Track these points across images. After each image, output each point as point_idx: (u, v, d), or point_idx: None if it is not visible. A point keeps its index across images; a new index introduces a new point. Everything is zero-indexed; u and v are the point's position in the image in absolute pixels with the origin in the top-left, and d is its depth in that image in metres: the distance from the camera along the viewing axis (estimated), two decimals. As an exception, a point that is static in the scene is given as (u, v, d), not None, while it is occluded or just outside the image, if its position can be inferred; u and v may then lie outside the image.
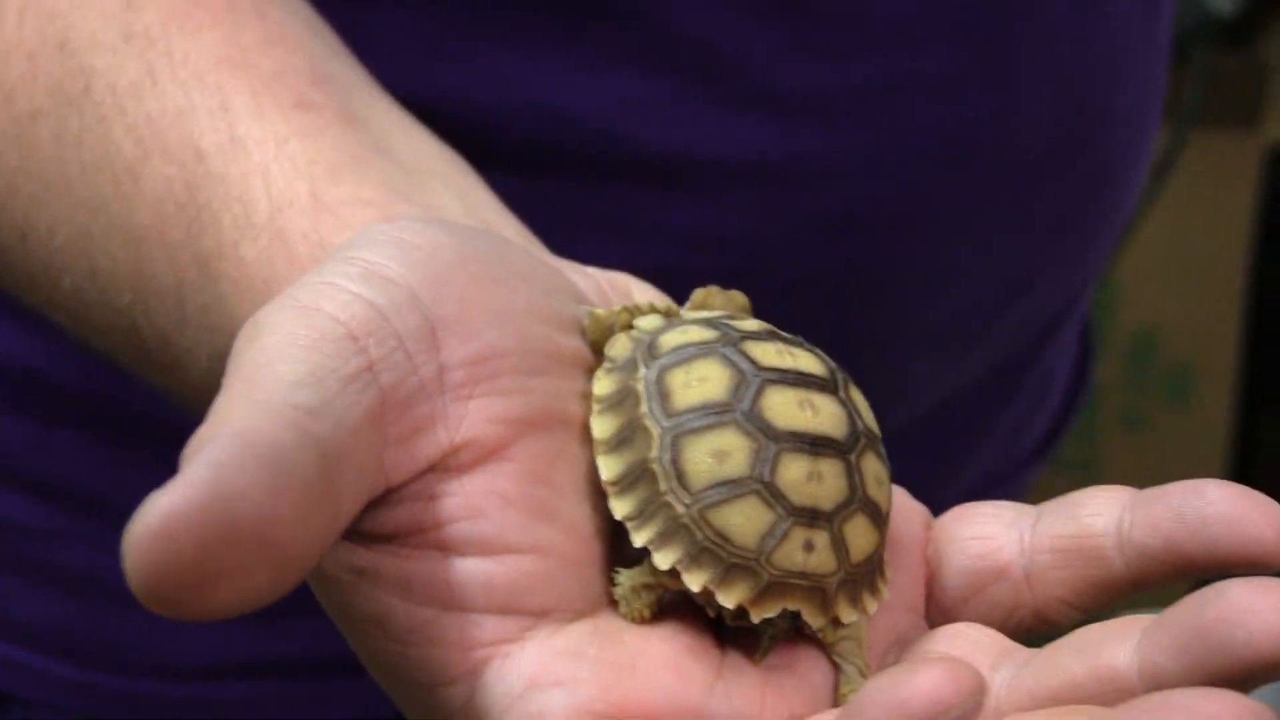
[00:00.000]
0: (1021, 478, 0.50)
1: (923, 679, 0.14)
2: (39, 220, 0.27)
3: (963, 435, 0.46)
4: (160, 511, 0.14)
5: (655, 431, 0.19)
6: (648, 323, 0.21)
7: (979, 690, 0.14)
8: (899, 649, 0.20)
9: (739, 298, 0.23)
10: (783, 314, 0.23)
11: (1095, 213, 0.43)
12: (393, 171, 0.24)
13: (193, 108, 0.25)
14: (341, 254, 0.19)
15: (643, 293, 0.23)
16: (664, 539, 0.18)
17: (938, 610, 0.21)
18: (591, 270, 0.23)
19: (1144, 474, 0.27)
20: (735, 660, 0.19)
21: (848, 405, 0.20)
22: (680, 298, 0.23)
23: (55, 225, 0.27)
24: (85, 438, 0.38)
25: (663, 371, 0.19)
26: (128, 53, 0.26)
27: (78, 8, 0.27)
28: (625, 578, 0.19)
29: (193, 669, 0.39)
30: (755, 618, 0.18)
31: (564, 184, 0.35)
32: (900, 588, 0.20)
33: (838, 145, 0.36)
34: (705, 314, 0.21)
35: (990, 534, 0.21)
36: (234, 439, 0.15)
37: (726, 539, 0.18)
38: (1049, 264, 0.43)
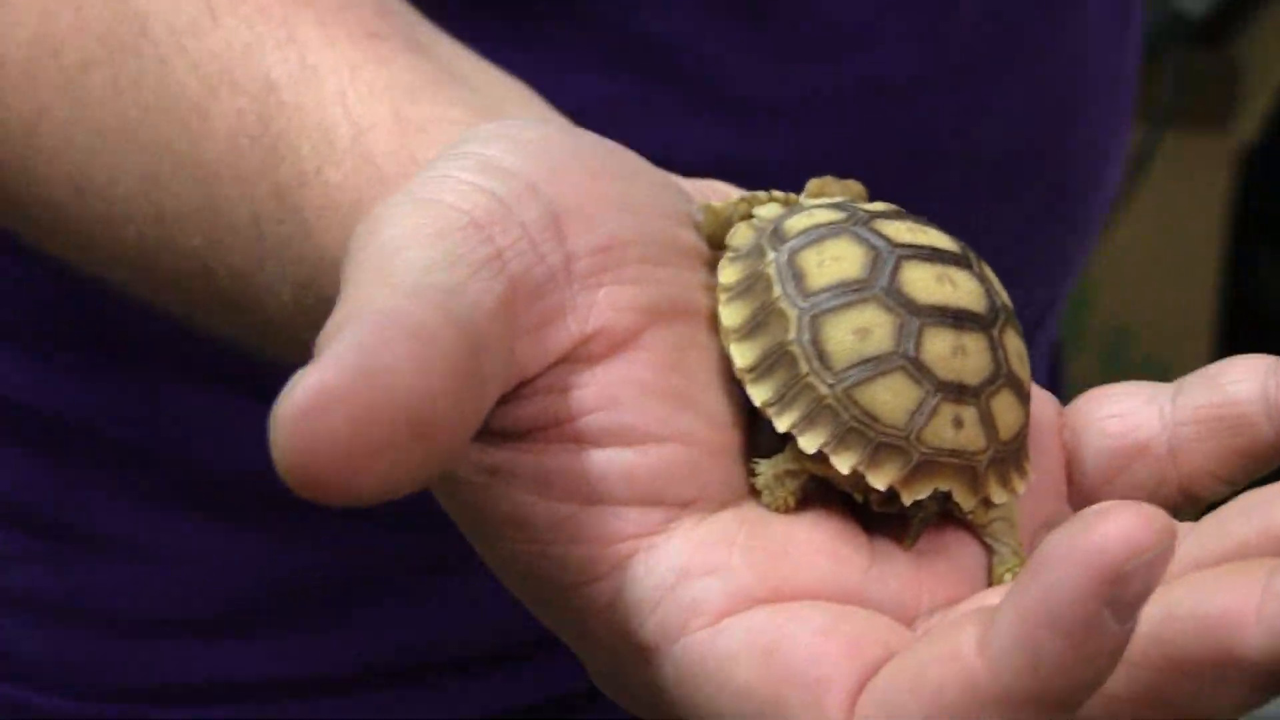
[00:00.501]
0: None
1: (1113, 523, 0.13)
2: (96, 170, 0.26)
3: None
4: (309, 388, 0.14)
5: (792, 313, 0.18)
6: (768, 210, 0.20)
7: (1171, 531, 0.13)
8: (1048, 533, 0.18)
9: (855, 186, 0.22)
10: None
11: (1066, 216, 0.43)
12: (470, 94, 0.24)
13: (259, 40, 0.24)
14: (452, 149, 0.19)
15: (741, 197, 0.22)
16: (808, 421, 0.18)
17: (1079, 494, 0.20)
18: (686, 180, 0.22)
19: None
20: (884, 546, 0.19)
21: (984, 280, 0.19)
22: None
23: (116, 173, 0.26)
24: (41, 458, 0.37)
25: (794, 253, 0.19)
26: None
27: None
28: (766, 466, 0.18)
29: (141, 689, 0.37)
30: (906, 499, 0.18)
31: None
32: (1041, 471, 0.20)
33: (803, 148, 0.35)
34: (827, 200, 0.21)
35: (1129, 411, 0.20)
36: (379, 316, 0.15)
37: (874, 417, 0.18)
38: (1019, 269, 0.43)
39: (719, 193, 0.22)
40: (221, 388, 0.36)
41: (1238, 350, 0.22)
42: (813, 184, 0.22)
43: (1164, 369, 1.14)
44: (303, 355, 0.16)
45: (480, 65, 0.26)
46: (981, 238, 0.39)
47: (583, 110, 0.32)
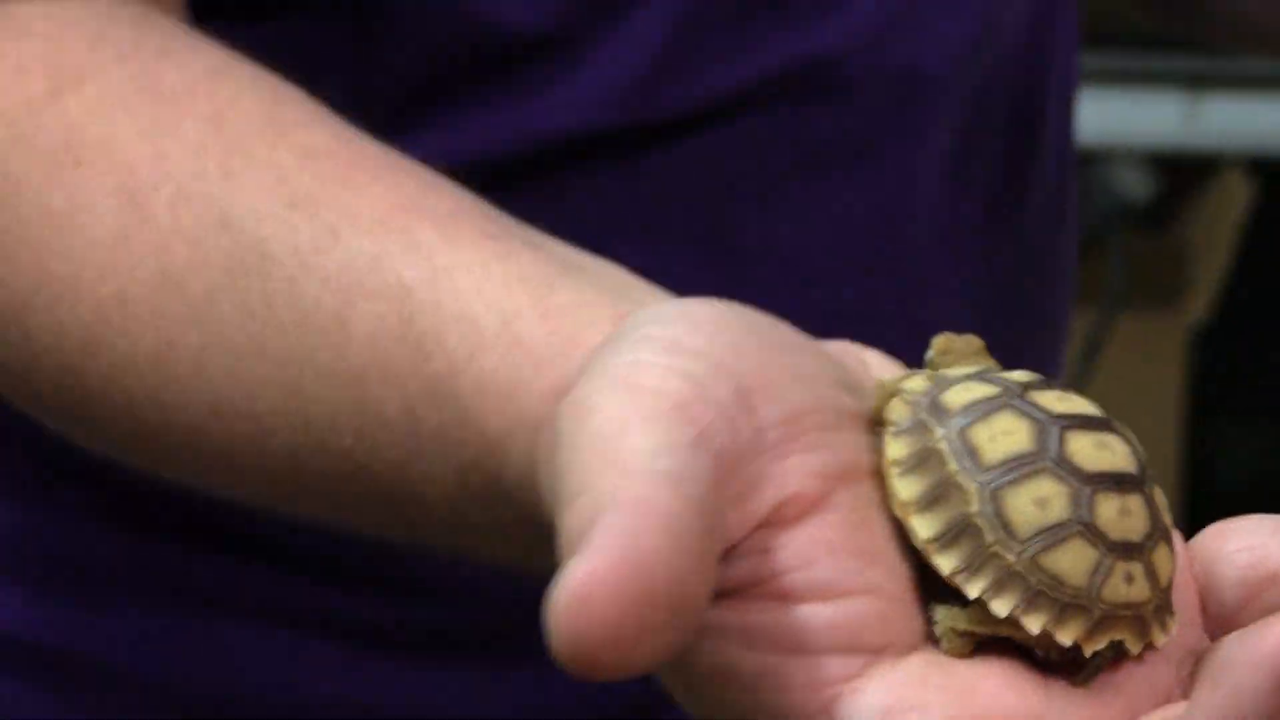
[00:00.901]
0: None
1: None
2: (234, 391, 0.28)
3: None
4: (581, 577, 0.16)
5: (971, 487, 0.20)
6: (915, 384, 0.23)
7: None
8: (1193, 661, 0.21)
9: (975, 341, 0.24)
10: None
11: None
12: (596, 279, 0.26)
13: (385, 250, 0.26)
14: (633, 332, 0.21)
15: (875, 358, 0.25)
16: (998, 587, 0.20)
17: (1214, 624, 0.22)
18: (826, 342, 0.25)
19: None
20: (1058, 684, 0.21)
21: (1128, 441, 0.21)
22: None
23: (255, 390, 0.27)
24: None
25: (964, 430, 0.21)
26: (297, 217, 0.27)
27: (231, 190, 0.28)
28: (944, 617, 0.20)
29: None
30: (1087, 651, 0.20)
31: None
32: (1179, 605, 0.22)
33: None
34: (966, 369, 0.23)
35: (1258, 544, 0.22)
36: (633, 505, 0.17)
37: (1059, 580, 0.20)
38: None
39: (853, 354, 0.25)
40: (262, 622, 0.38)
41: (1202, 528, 0.22)
42: (938, 342, 0.24)
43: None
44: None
45: (589, 256, 0.28)
46: None
47: None
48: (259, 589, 0.40)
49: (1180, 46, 1.02)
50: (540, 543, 0.22)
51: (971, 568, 0.20)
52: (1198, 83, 1.12)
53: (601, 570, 0.15)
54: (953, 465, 0.20)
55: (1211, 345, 1.17)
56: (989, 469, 0.20)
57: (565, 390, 0.21)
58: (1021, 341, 0.42)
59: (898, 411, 0.22)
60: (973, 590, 0.20)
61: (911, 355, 0.36)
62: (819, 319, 0.34)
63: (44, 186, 0.29)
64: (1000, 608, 0.20)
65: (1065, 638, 0.20)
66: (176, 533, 0.39)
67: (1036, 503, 0.20)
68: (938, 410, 0.21)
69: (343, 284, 0.26)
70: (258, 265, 0.27)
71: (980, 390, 0.22)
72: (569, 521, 0.17)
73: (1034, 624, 0.19)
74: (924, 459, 0.21)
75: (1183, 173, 1.15)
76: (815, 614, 0.19)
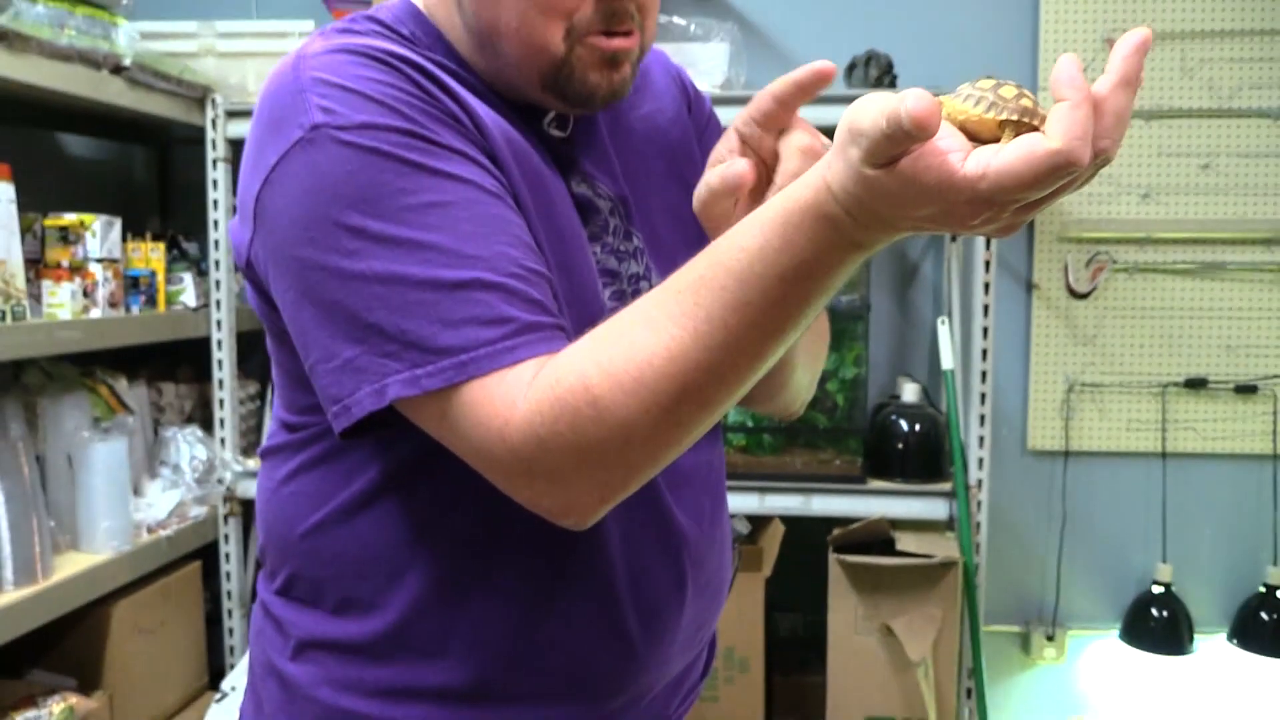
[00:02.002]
0: None
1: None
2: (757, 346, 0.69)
3: None
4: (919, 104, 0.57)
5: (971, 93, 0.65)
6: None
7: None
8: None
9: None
10: None
11: None
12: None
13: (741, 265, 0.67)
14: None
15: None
16: (985, 105, 0.61)
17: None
18: None
19: None
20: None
21: (1023, 92, 0.63)
22: None
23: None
24: None
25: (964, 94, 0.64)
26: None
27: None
28: (952, 107, 0.64)
29: None
30: (1006, 132, 0.62)
31: None
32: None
33: None
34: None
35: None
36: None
37: (1004, 100, 0.61)
38: None
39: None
40: None
41: None
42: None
43: None
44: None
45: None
46: None
47: None
48: None
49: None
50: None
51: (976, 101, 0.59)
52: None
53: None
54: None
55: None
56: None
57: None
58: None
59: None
60: (980, 108, 0.59)
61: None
62: None
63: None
64: (986, 111, 0.58)
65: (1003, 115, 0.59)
66: None
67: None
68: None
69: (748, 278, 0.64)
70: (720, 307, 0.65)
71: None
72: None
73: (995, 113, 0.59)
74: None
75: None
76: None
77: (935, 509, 2.19)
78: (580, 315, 0.79)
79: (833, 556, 2.05)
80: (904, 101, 0.54)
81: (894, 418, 2.27)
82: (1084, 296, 2.54)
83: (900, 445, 2.25)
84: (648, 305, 0.67)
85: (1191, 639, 2.52)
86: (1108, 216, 2.53)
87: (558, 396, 0.67)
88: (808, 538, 2.28)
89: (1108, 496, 2.57)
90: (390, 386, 0.70)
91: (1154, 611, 2.52)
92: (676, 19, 2.29)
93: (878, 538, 2.08)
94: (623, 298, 0.87)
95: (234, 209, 2.29)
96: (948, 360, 2.25)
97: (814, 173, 0.62)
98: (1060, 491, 2.58)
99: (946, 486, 2.19)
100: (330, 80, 0.73)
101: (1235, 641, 2.52)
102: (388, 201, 0.70)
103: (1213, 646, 2.54)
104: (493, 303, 0.69)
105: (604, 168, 0.90)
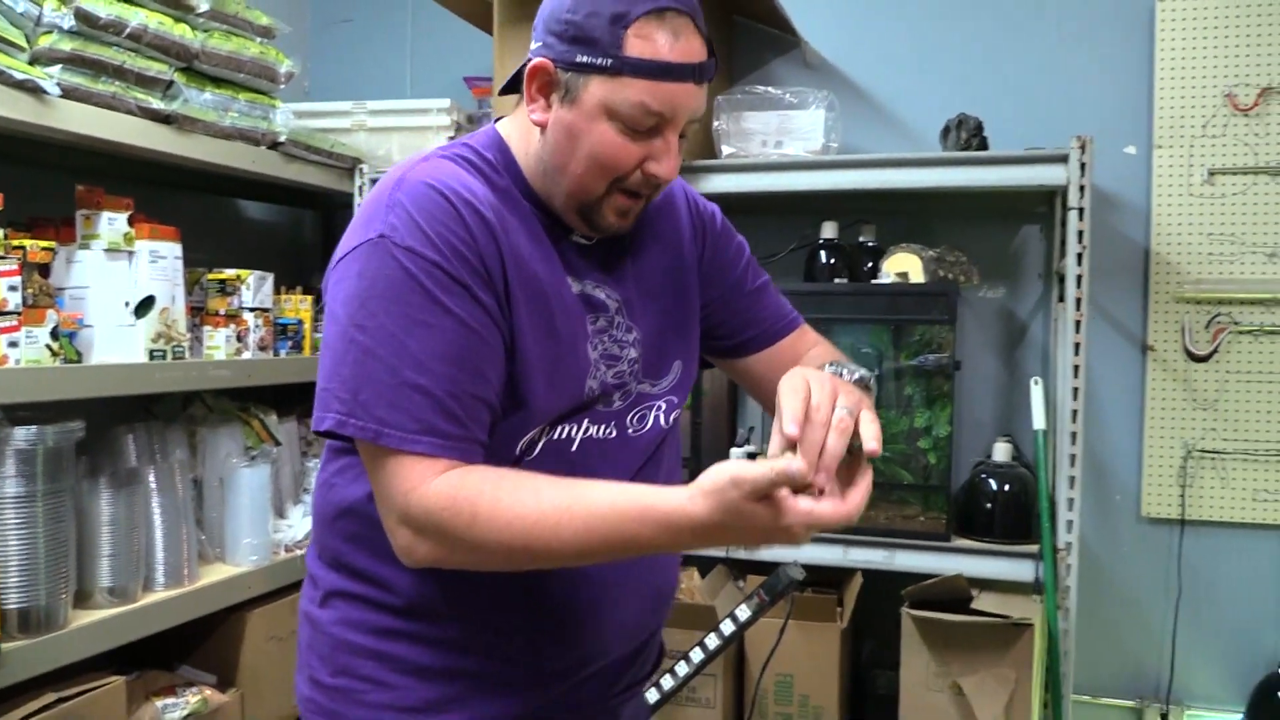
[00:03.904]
0: None
1: None
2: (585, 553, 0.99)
3: None
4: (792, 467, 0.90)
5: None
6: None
7: None
8: None
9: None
10: None
11: None
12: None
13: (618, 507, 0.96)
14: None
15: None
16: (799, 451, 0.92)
17: None
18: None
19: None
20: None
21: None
22: None
23: (596, 552, 0.99)
24: None
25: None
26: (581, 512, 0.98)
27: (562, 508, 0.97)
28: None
29: None
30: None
31: None
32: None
33: None
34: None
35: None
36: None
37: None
38: None
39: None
40: None
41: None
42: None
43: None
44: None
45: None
46: None
47: None
48: None
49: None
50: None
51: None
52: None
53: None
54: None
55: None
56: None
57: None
58: None
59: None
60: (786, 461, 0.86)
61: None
62: None
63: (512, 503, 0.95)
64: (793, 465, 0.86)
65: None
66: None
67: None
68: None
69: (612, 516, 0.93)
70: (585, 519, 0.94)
71: None
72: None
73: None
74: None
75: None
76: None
77: (1021, 570, 2.17)
78: (562, 396, 1.08)
79: (905, 611, 2.07)
80: (791, 464, 0.86)
81: (983, 476, 2.27)
82: (1204, 359, 2.46)
83: (988, 504, 2.24)
84: (551, 485, 0.96)
85: (1325, 728, 2.35)
86: (1229, 276, 2.44)
87: (454, 498, 0.95)
88: (894, 594, 2.30)
89: (1230, 569, 2.46)
90: (328, 419, 0.99)
91: (1281, 695, 2.37)
92: (773, 89, 2.42)
93: (958, 596, 2.09)
94: (622, 376, 1.14)
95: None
96: (1039, 420, 2.24)
97: (679, 500, 0.90)
98: (1176, 561, 2.48)
99: (1034, 548, 2.17)
100: (405, 205, 1.00)
101: (1377, 735, 2.33)
102: (398, 308, 0.98)
103: (1350, 739, 2.36)
104: (424, 407, 0.97)
105: (615, 273, 1.15)
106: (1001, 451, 2.31)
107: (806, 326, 1.33)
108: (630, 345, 1.14)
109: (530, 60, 1.05)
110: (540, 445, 1.07)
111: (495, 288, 1.01)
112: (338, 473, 1.14)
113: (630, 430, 1.15)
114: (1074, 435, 2.15)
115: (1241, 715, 2.42)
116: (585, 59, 1.01)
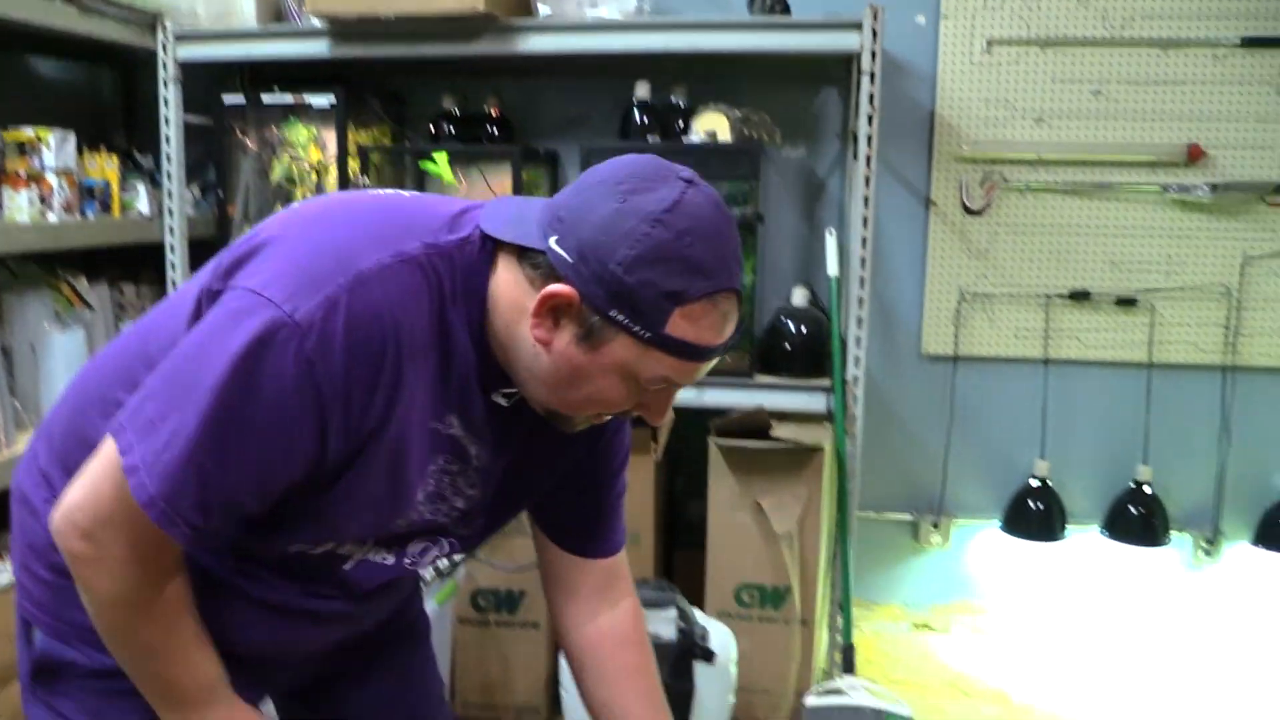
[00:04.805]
0: None
1: None
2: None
3: None
4: None
5: None
6: None
7: None
8: None
9: None
10: None
11: None
12: None
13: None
14: None
15: None
16: None
17: None
18: None
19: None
20: None
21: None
22: None
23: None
24: None
25: None
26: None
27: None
28: None
29: None
30: None
31: None
32: None
33: None
34: None
35: None
36: None
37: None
38: None
39: None
40: None
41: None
42: None
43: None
44: None
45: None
46: None
47: None
48: None
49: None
50: None
51: None
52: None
53: None
54: None
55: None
56: None
57: None
58: None
59: None
60: None
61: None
62: None
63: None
64: None
65: None
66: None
67: None
68: None
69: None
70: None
71: None
72: None
73: None
74: None
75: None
76: None
77: (815, 402, 2.42)
78: (366, 529, 1.02)
79: (712, 440, 2.29)
80: None
81: (783, 319, 2.49)
82: (978, 213, 2.73)
83: (787, 344, 2.47)
84: (210, 664, 1.01)
85: (1064, 528, 2.75)
86: (1002, 139, 2.70)
87: (144, 561, 0.94)
88: (705, 428, 2.52)
89: (994, 398, 2.79)
90: (128, 435, 0.91)
91: (1031, 504, 2.75)
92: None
93: (760, 427, 2.31)
94: (438, 516, 1.05)
95: (184, 125, 2.50)
96: (833, 268, 2.46)
97: None
98: (950, 393, 2.80)
99: (826, 383, 2.41)
100: (341, 320, 0.87)
101: (1106, 532, 2.75)
102: (251, 406, 0.87)
103: (1085, 536, 2.78)
104: (198, 502, 0.89)
105: (505, 441, 1.05)
106: (799, 297, 2.53)
107: (623, 562, 1.27)
108: (465, 499, 1.07)
109: (549, 261, 0.91)
110: (320, 550, 1.02)
111: (352, 442, 0.92)
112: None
113: (408, 561, 1.10)
114: (862, 280, 2.38)
115: (999, 521, 2.80)
116: (623, 320, 0.90)
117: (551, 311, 0.92)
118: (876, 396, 2.77)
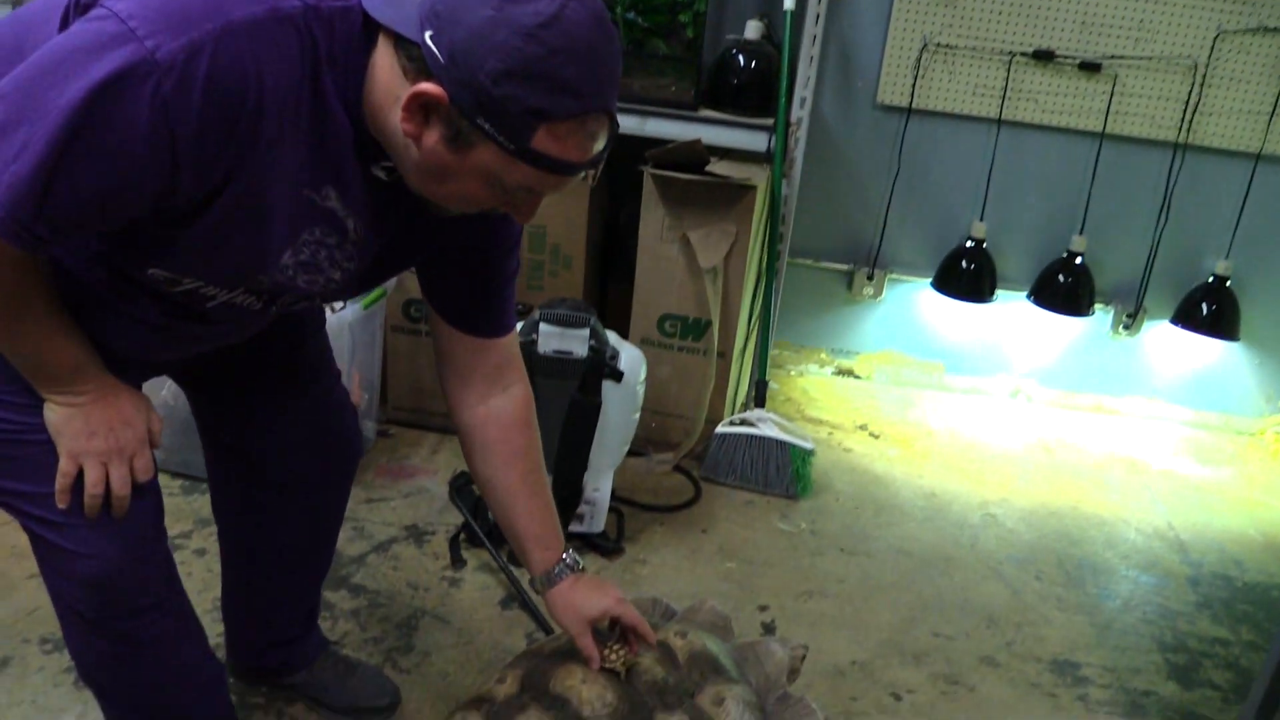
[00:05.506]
0: None
1: None
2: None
3: None
4: None
5: None
6: None
7: None
8: None
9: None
10: None
11: None
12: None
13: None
14: None
15: None
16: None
17: None
18: None
19: None
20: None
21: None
22: None
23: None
24: None
25: None
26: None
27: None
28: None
29: None
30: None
31: None
32: None
33: None
34: None
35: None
36: None
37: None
38: None
39: None
40: None
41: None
42: None
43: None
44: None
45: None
46: None
47: None
48: None
49: None
50: None
51: None
52: None
53: None
54: None
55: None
56: None
57: None
58: None
59: None
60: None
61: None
62: None
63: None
64: None
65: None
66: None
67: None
68: None
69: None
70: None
71: None
72: None
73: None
74: None
75: None
76: None
77: (757, 141, 2.39)
78: (217, 277, 1.04)
79: (645, 170, 2.28)
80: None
81: (733, 52, 2.42)
82: (954, -43, 2.60)
83: (734, 79, 2.41)
84: (76, 348, 1.07)
85: (993, 291, 2.81)
86: (991, -125, 2.53)
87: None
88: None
89: (943, 155, 2.77)
90: None
91: (964, 264, 2.80)
92: None
93: (698, 160, 2.30)
94: (313, 287, 1.08)
95: None
96: (789, 1, 2.36)
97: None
98: (899, 145, 2.77)
99: (770, 121, 2.38)
100: (204, 64, 0.85)
101: (1033, 299, 2.81)
102: (100, 132, 0.86)
103: (1013, 301, 2.84)
104: (37, 210, 0.89)
105: (383, 218, 1.07)
106: (753, 29, 2.44)
107: (514, 345, 1.28)
108: (343, 271, 1.09)
109: (423, 55, 0.90)
110: (184, 286, 1.05)
111: (203, 184, 0.92)
112: None
113: (275, 307, 1.14)
114: (818, 17, 2.30)
115: (930, 278, 2.85)
116: (488, 128, 0.91)
117: (421, 108, 0.92)
118: (825, 141, 2.74)
